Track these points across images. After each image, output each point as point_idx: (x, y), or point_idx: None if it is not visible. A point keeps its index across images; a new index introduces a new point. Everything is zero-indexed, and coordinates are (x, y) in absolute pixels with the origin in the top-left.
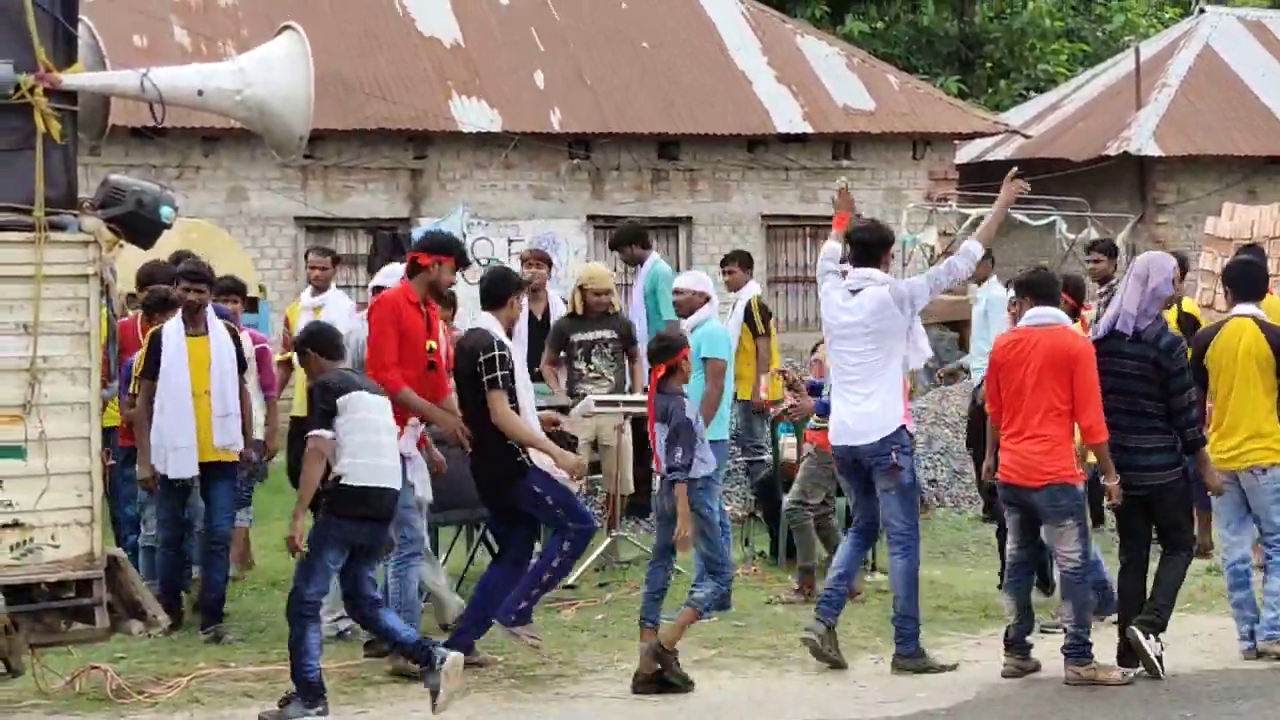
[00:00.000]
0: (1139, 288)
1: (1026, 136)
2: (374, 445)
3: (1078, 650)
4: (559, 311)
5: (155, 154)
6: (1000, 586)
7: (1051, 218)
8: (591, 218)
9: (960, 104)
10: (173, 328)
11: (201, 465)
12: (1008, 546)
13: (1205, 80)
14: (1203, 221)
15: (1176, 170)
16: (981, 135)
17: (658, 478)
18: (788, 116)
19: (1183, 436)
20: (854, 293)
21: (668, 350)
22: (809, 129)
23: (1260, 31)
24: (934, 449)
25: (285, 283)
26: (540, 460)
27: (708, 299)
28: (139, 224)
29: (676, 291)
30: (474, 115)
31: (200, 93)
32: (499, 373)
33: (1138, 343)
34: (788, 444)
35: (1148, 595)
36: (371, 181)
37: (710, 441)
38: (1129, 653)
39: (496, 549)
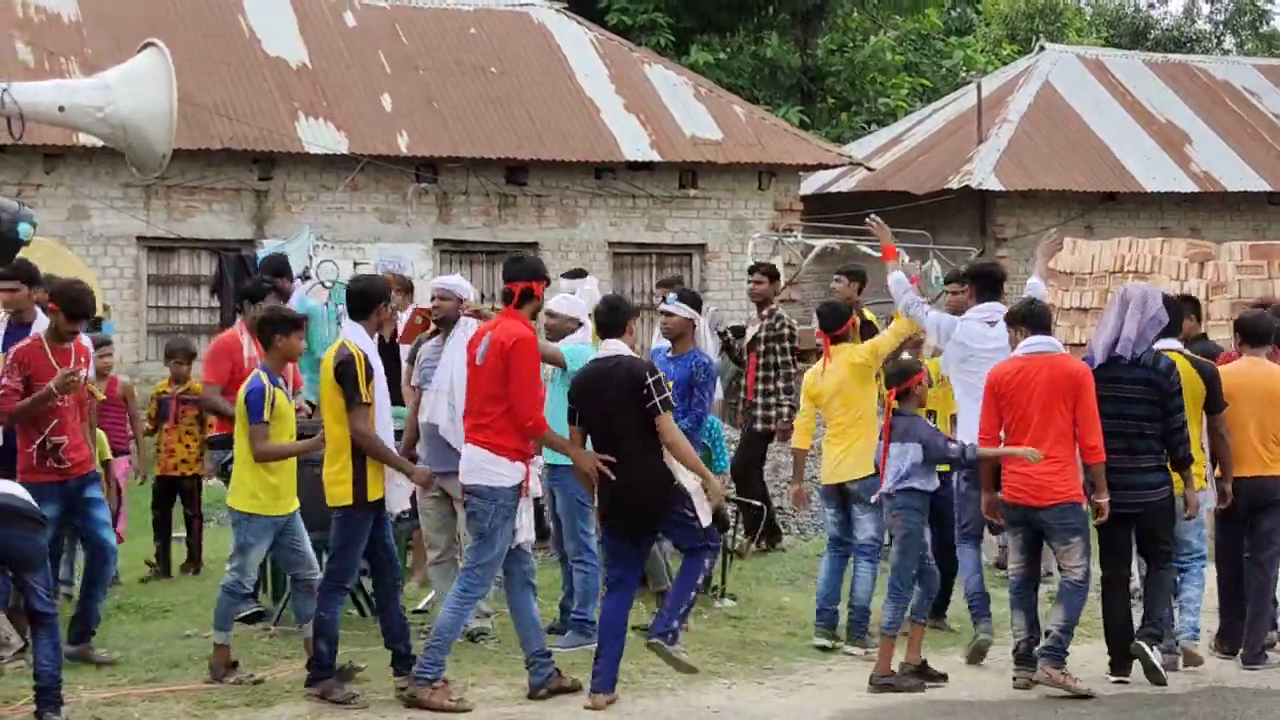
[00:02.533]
0: (1138, 314)
1: (870, 169)
2: None
3: (1056, 653)
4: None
5: None
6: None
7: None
8: (438, 241)
9: (805, 135)
10: None
11: None
12: (1011, 566)
13: (1044, 117)
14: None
15: (1016, 204)
16: (826, 166)
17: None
18: (636, 145)
19: (1174, 455)
20: (992, 324)
21: (904, 374)
22: (657, 157)
23: (1098, 70)
24: (780, 477)
25: (127, 302)
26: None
27: (581, 324)
28: None
29: (549, 314)
30: (320, 136)
31: (62, 109)
32: (667, 394)
33: (1137, 367)
34: None
35: (1143, 610)
36: (216, 202)
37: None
38: (1122, 664)
39: (608, 580)
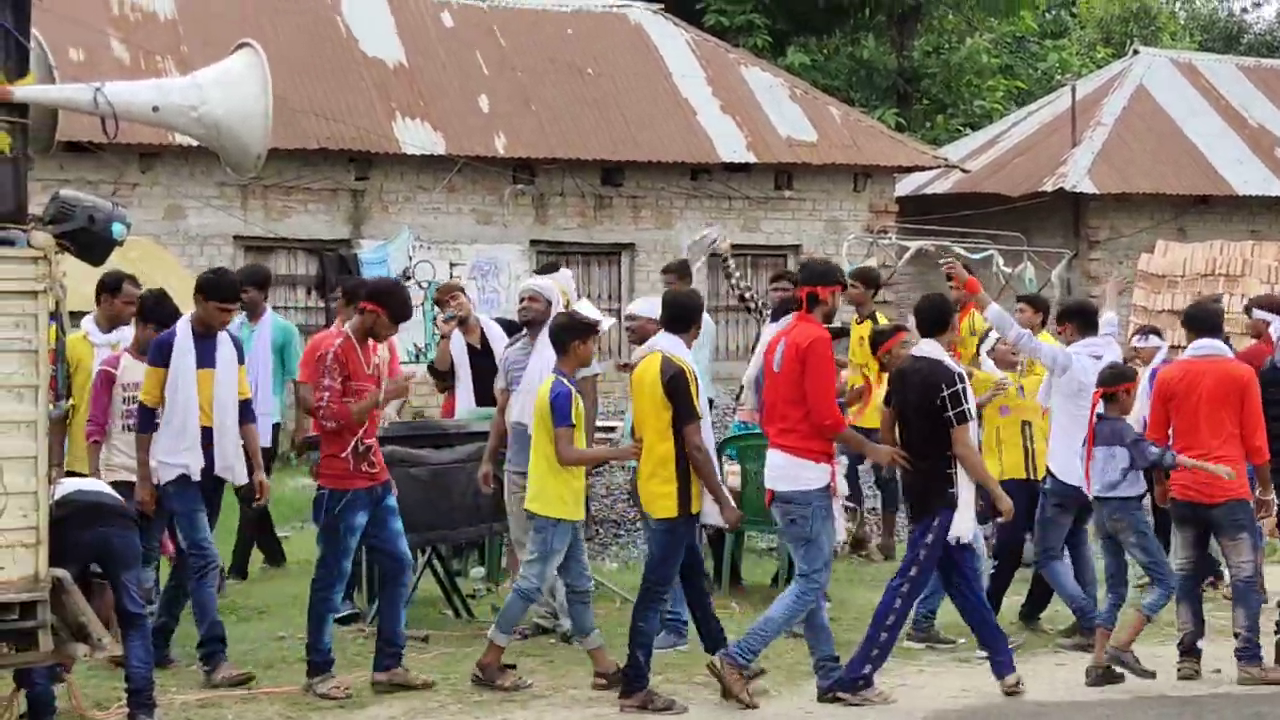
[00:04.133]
0: None
1: (965, 171)
2: None
3: (1250, 653)
4: (496, 336)
5: (91, 169)
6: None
7: (988, 252)
8: (534, 242)
9: (901, 137)
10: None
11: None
12: (1178, 562)
13: (1138, 120)
14: (1134, 258)
15: (1110, 208)
16: (921, 169)
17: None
18: (731, 146)
19: None
20: (1097, 358)
21: (1117, 379)
22: (752, 159)
23: (1191, 74)
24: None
25: None
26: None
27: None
28: (90, 240)
29: (629, 317)
30: (417, 137)
31: (156, 109)
32: (965, 406)
33: None
34: (730, 471)
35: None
36: (312, 202)
37: None
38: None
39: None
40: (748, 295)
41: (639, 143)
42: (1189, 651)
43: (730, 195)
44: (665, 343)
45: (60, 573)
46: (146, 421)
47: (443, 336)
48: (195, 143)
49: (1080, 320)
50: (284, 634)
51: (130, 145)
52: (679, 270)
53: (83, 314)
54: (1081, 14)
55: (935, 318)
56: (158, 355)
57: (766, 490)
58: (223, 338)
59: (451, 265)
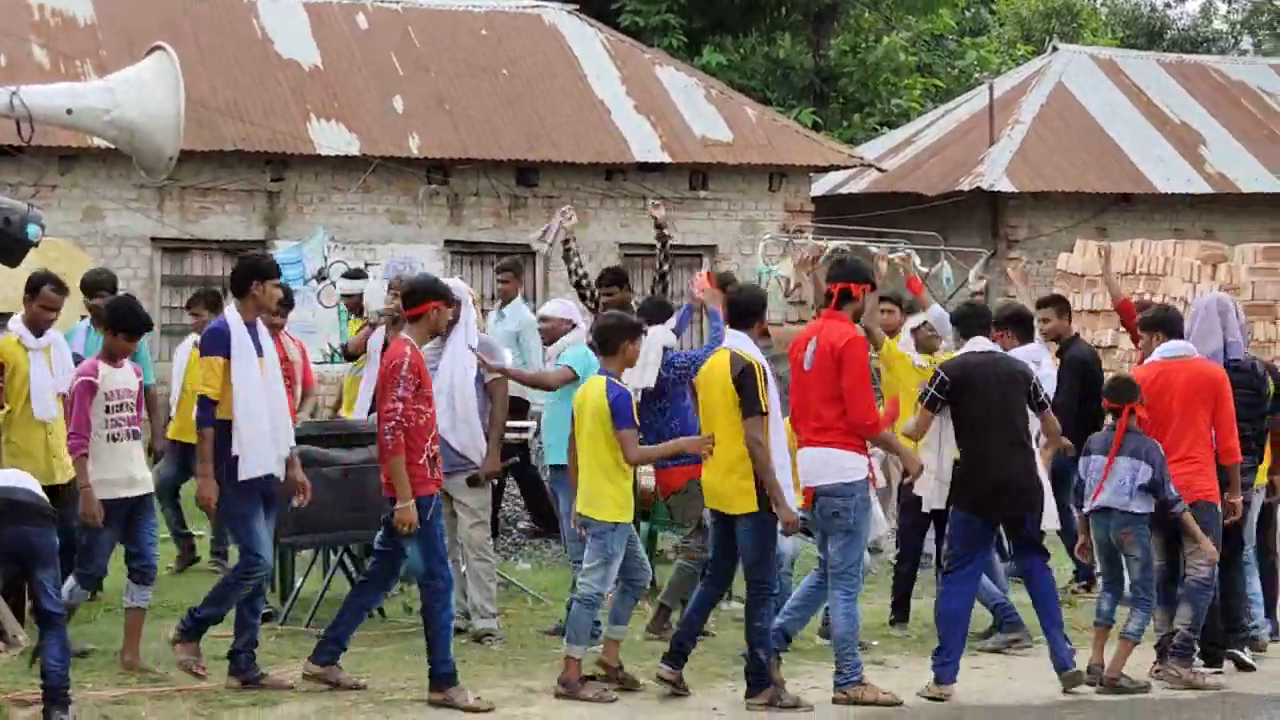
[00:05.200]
0: (1234, 320)
1: (881, 170)
2: None
3: (1184, 652)
4: None
5: (10, 172)
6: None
7: (905, 252)
8: (449, 243)
9: (816, 137)
10: None
11: None
12: (1154, 564)
13: (1057, 118)
14: (1054, 257)
15: (1028, 206)
16: (837, 168)
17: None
18: (646, 146)
19: (1261, 455)
20: (1037, 364)
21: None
22: (667, 159)
23: (1112, 70)
24: None
25: (143, 302)
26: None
27: (574, 325)
28: (6, 242)
29: (542, 319)
30: (332, 138)
31: (70, 111)
32: (1045, 396)
33: (1238, 371)
34: (646, 472)
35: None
36: (229, 203)
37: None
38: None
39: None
40: (584, 283)
41: (554, 143)
42: (1164, 653)
43: (645, 195)
44: (733, 340)
45: None
46: (209, 416)
47: (370, 325)
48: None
49: (1021, 328)
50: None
51: (49, 148)
52: (513, 269)
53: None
54: (1001, 11)
55: (980, 322)
56: (218, 345)
57: (804, 490)
58: (261, 328)
59: (366, 265)
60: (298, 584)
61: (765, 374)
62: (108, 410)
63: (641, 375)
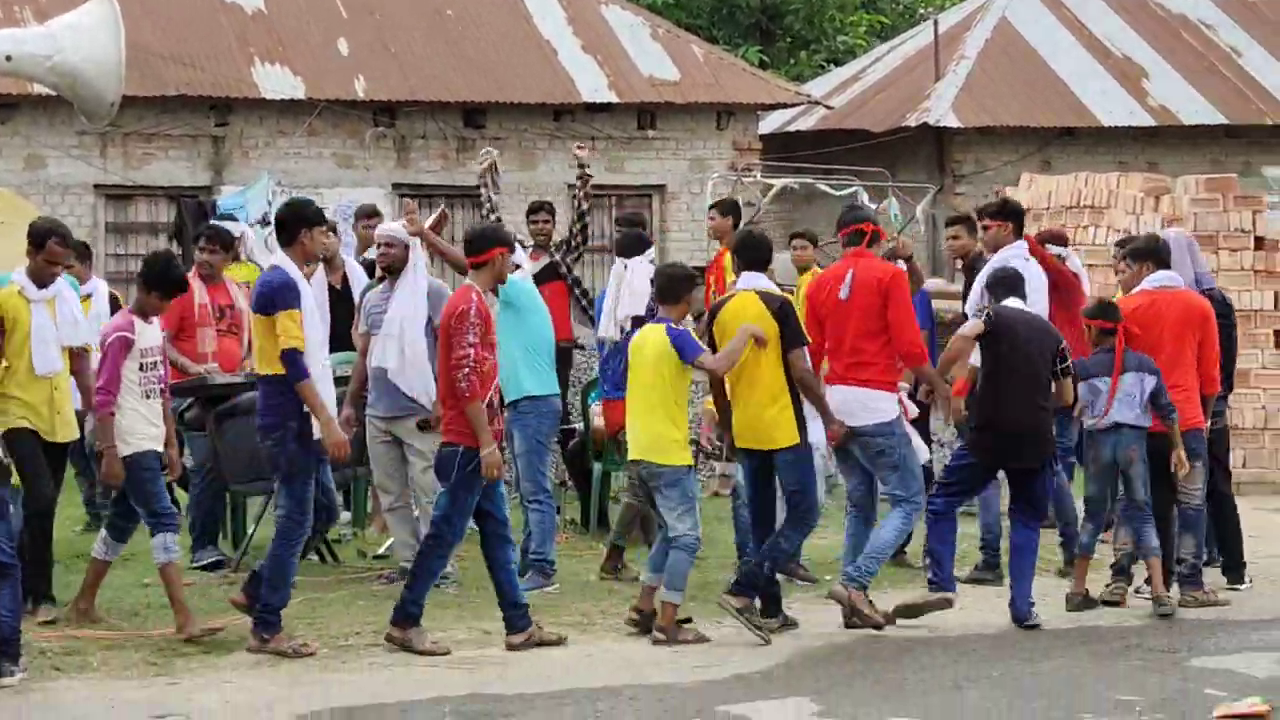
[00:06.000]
0: (1200, 253)
1: (829, 107)
2: None
3: (1193, 579)
4: (358, 279)
5: None
6: None
7: (853, 188)
8: (397, 185)
9: (763, 75)
10: None
11: None
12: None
13: (1001, 53)
14: (999, 191)
15: (974, 141)
16: (784, 106)
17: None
18: (593, 86)
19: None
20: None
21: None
22: (614, 98)
23: (1055, 5)
24: None
25: None
26: None
27: (518, 267)
28: None
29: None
30: (277, 82)
31: (9, 58)
32: (1070, 363)
33: (1212, 301)
34: (597, 413)
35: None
36: (173, 149)
37: (540, 397)
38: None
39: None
40: (496, 216)
41: (500, 84)
42: (1122, 572)
43: (593, 135)
44: (751, 280)
45: None
46: (304, 369)
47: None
48: (54, 93)
49: (1017, 220)
50: (148, 581)
51: None
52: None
53: None
54: None
55: (1013, 285)
56: (294, 296)
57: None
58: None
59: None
60: (250, 531)
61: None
62: (141, 368)
63: (632, 304)
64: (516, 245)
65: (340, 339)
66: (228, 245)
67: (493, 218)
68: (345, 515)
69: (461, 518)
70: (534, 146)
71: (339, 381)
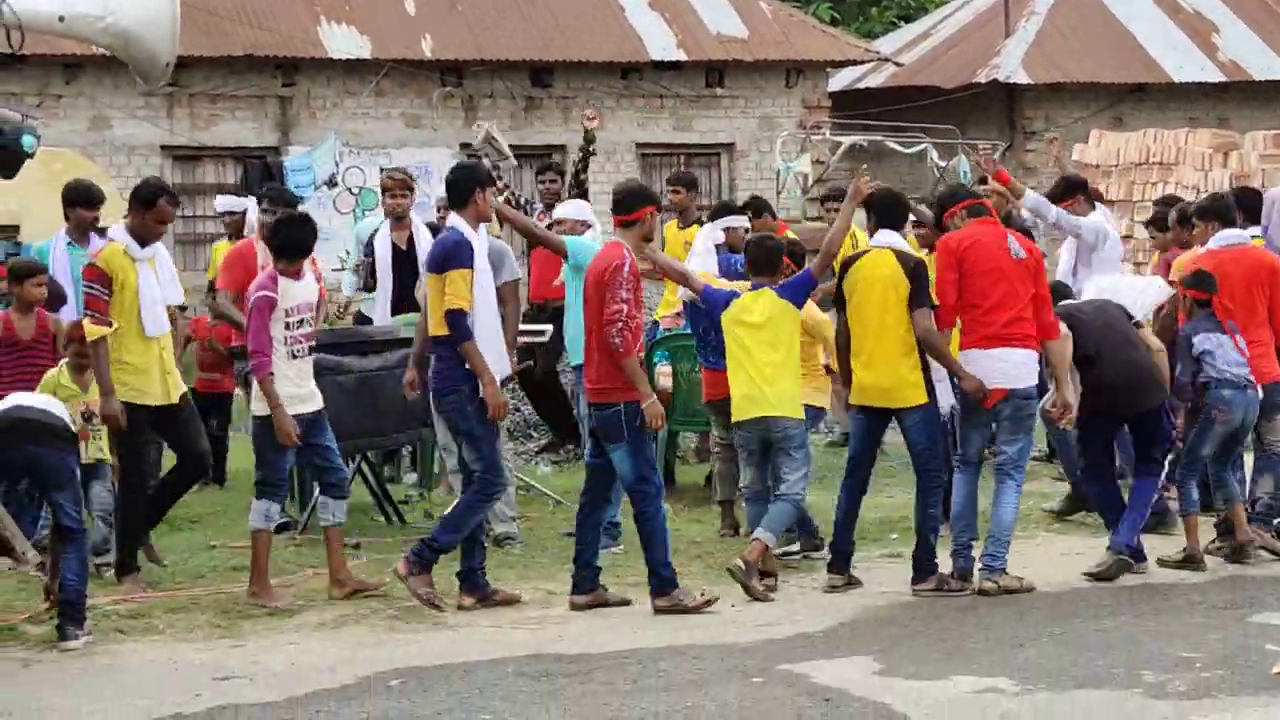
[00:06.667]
0: None
1: (898, 64)
2: None
3: (1268, 517)
4: (424, 240)
5: (14, 82)
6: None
7: (923, 145)
8: (464, 145)
9: (833, 32)
10: None
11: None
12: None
13: (1072, 8)
14: (1070, 148)
15: (1044, 98)
16: (854, 63)
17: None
18: (662, 44)
19: None
20: None
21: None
22: (683, 56)
23: None
24: None
25: None
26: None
27: (589, 226)
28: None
29: (557, 221)
30: (343, 42)
31: (61, 19)
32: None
33: None
34: (663, 372)
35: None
36: (239, 110)
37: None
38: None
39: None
40: (505, 184)
41: (568, 43)
42: (1266, 520)
43: (661, 94)
44: (886, 238)
45: None
46: (468, 329)
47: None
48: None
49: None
50: (215, 543)
51: (52, 57)
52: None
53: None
54: None
55: (892, 210)
56: (467, 257)
57: (996, 391)
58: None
59: (381, 170)
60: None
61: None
62: (287, 327)
63: (703, 262)
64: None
65: (401, 301)
66: (291, 207)
67: (500, 183)
68: (411, 477)
69: (652, 468)
70: (601, 105)
71: (405, 343)
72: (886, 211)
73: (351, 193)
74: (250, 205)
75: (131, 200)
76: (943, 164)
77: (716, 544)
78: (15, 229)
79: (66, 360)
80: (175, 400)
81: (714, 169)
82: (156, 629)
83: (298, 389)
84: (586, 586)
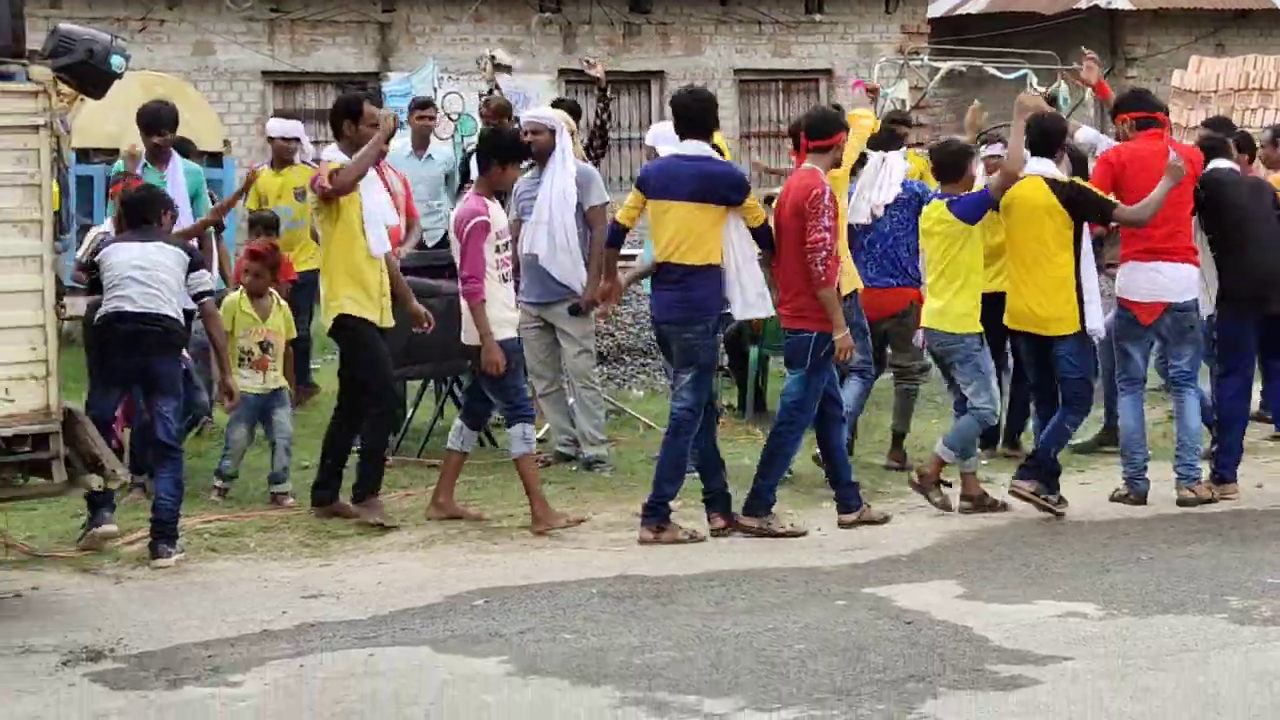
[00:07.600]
0: None
1: None
2: None
3: None
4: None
5: (119, 6)
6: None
7: (1022, 71)
8: (563, 72)
9: None
10: None
11: None
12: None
13: None
14: (1170, 75)
15: (1146, 23)
16: None
17: None
18: None
19: None
20: None
21: None
22: None
23: None
24: None
25: (253, 138)
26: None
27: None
28: (89, 74)
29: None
30: None
31: None
32: None
33: None
34: None
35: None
36: (339, 35)
37: None
38: None
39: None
40: (607, 127)
41: None
42: None
43: (760, 20)
44: (1039, 166)
45: (73, 405)
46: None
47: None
48: None
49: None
50: (306, 463)
51: None
52: (570, 108)
53: (102, 151)
54: None
55: (1049, 136)
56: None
57: (1157, 303)
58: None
59: (480, 96)
60: (409, 415)
61: None
62: (497, 250)
63: (884, 193)
64: None
65: None
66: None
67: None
68: None
69: (814, 400)
70: (700, 32)
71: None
72: (1042, 138)
73: (450, 118)
74: (302, 133)
75: (333, 121)
76: (1042, 90)
77: (803, 470)
78: (115, 151)
79: (243, 285)
80: (388, 324)
81: (812, 95)
82: (247, 547)
83: (509, 312)
84: (850, 505)
